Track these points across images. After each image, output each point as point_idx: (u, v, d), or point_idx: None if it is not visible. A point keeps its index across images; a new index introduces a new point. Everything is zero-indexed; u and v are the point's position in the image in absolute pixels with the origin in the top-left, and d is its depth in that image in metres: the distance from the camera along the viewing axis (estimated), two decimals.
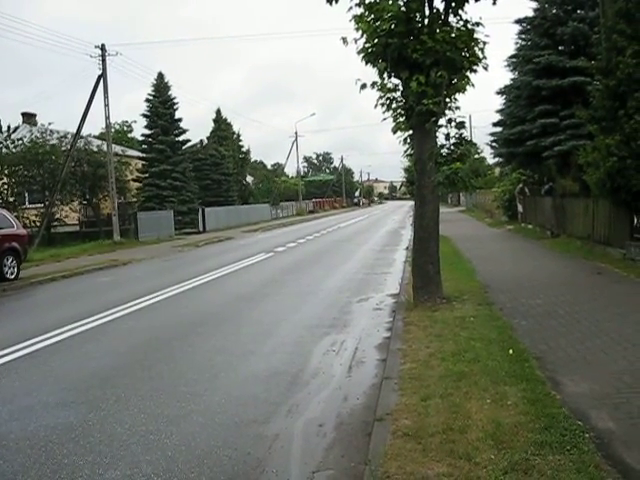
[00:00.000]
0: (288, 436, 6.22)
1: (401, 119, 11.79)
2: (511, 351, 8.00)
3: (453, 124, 11.33)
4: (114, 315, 13.21)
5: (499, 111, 34.73)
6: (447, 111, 11.32)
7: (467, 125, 12.23)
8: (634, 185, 15.05)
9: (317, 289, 15.68)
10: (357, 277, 17.45)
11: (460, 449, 5.23)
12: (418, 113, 11.03)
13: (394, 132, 12.02)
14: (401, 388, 6.92)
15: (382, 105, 11.69)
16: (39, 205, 38.44)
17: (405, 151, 12.79)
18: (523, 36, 31.27)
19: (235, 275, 19.51)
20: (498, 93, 33.98)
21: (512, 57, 32.30)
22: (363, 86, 11.44)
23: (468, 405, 6.22)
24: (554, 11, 29.04)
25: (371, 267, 19.68)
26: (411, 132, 12.07)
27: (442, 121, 11.30)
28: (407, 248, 23.21)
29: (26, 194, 40.38)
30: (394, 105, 11.62)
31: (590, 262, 16.79)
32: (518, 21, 31.14)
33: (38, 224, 35.30)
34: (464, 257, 19.41)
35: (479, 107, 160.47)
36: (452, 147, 11.12)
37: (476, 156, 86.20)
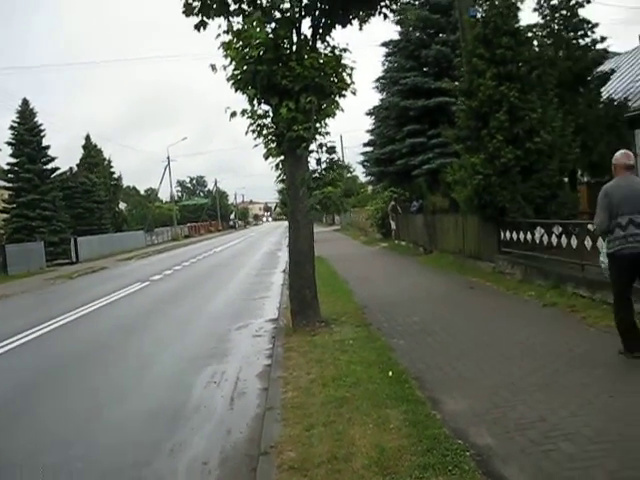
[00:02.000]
0: (171, 477, 6.05)
1: (272, 145, 11.79)
2: (391, 373, 8.09)
3: (324, 149, 11.43)
4: None
5: (369, 131, 35.64)
6: (318, 136, 11.41)
7: (338, 145, 12.39)
8: (499, 201, 15.67)
9: (196, 317, 15.45)
10: (235, 303, 17.32)
11: (346, 478, 5.22)
12: (289, 139, 11.07)
13: (266, 158, 12.00)
14: (284, 418, 6.84)
15: (253, 132, 11.66)
16: None
17: (278, 176, 12.82)
18: (390, 58, 32.27)
19: (112, 307, 18.95)
20: (368, 114, 34.83)
21: (380, 79, 33.24)
22: (233, 114, 11.37)
23: (351, 431, 6.20)
24: (417, 34, 30.06)
25: (249, 292, 19.58)
26: (283, 158, 12.11)
27: (313, 146, 11.40)
28: (284, 271, 23.13)
29: None
30: (265, 131, 11.61)
31: (462, 277, 17.30)
32: (384, 44, 32.12)
33: None
34: (341, 278, 19.59)
35: (350, 127, 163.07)
36: (323, 172, 11.21)
37: (348, 175, 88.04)
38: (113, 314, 17.50)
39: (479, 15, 17.55)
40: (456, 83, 23.11)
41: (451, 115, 18.79)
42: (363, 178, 61.69)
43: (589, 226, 9.10)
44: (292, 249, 12.26)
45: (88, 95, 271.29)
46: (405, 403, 6.85)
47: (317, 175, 10.98)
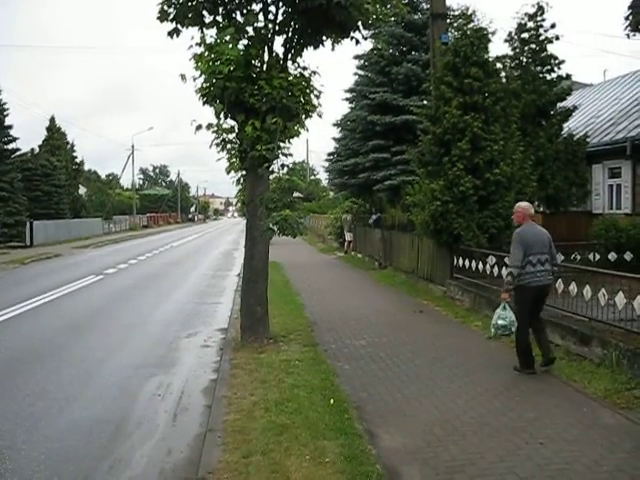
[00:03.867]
0: None
1: (235, 160, 11.88)
2: (332, 401, 8.23)
3: (285, 169, 11.53)
4: None
5: (336, 139, 35.79)
6: (281, 156, 11.48)
7: (304, 149, 12.46)
8: (455, 228, 15.96)
9: (147, 320, 15.43)
10: (187, 307, 17.33)
11: None
12: (252, 157, 11.17)
13: (227, 172, 12.03)
14: (224, 442, 6.95)
15: (217, 145, 11.70)
16: None
17: (238, 191, 12.85)
18: (361, 72, 32.45)
19: (62, 301, 18.76)
20: (335, 125, 35.02)
21: (350, 91, 33.41)
22: (198, 127, 11.42)
23: (288, 463, 6.33)
24: (390, 51, 30.33)
25: (202, 296, 19.64)
26: (244, 173, 12.21)
27: (275, 167, 11.47)
28: (239, 274, 23.10)
29: None
30: (229, 146, 11.68)
31: (413, 298, 17.54)
32: (357, 57, 32.36)
33: None
34: (294, 288, 19.68)
35: (317, 131, 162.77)
36: (283, 194, 11.25)
37: (312, 177, 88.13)
38: (61, 311, 17.25)
39: (450, 42, 17.85)
40: (425, 102, 23.53)
41: (416, 134, 19.06)
42: (326, 182, 61.97)
43: (506, 259, 10.30)
44: (246, 266, 12.36)
45: (56, 78, 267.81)
46: (343, 435, 7.01)
47: (276, 196, 10.99)
